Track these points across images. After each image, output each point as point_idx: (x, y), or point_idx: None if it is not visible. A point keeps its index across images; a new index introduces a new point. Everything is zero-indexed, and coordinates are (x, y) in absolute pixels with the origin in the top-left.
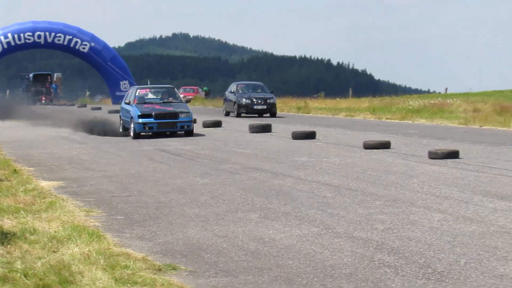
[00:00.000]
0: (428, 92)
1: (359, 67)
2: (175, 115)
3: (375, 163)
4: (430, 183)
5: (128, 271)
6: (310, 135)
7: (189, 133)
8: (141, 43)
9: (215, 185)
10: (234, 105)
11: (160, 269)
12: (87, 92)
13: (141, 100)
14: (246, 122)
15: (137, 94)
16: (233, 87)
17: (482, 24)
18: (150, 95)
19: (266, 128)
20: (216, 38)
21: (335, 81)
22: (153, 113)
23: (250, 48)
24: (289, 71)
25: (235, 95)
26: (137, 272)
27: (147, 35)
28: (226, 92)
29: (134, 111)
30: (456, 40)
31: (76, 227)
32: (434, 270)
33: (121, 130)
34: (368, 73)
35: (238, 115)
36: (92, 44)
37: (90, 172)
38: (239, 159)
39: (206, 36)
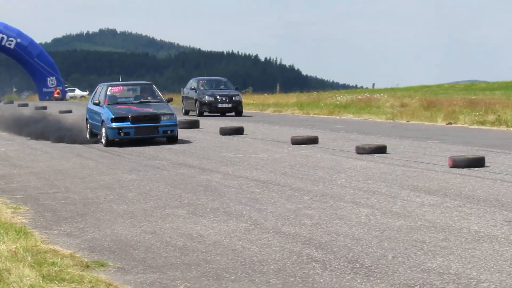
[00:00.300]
0: (356, 87)
1: (286, 62)
2: (156, 117)
3: (303, 159)
4: (357, 178)
5: (55, 268)
6: (238, 131)
7: (173, 139)
8: (68, 39)
9: (143, 181)
10: (195, 103)
11: (88, 266)
12: (14, 89)
13: (114, 100)
14: None
15: (108, 92)
16: (193, 83)
17: (408, 20)
18: (124, 94)
19: (194, 124)
20: (143, 34)
21: (262, 77)
22: (129, 116)
23: (178, 44)
24: (217, 66)
25: (196, 92)
26: (65, 269)
27: (74, 31)
28: (185, 89)
29: (106, 113)
30: (383, 36)
31: (3, 224)
32: (362, 264)
33: (88, 136)
34: (296, 68)
35: (200, 114)
36: (19, 40)
37: (17, 168)
38: (166, 155)
39: (133, 32)
